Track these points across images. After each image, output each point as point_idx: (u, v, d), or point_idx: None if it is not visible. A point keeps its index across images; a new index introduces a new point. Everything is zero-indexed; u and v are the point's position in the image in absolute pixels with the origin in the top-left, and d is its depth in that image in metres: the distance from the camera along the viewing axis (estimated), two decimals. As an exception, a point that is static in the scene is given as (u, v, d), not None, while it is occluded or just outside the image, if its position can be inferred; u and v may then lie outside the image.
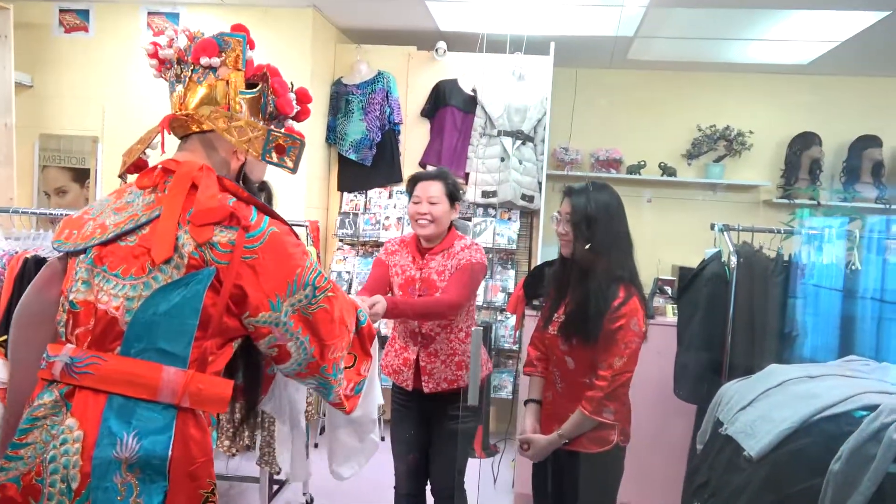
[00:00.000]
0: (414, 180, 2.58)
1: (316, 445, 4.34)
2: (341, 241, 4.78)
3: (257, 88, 1.49)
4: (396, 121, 4.65)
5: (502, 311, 4.53)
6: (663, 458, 3.29)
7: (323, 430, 4.58)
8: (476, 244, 2.60)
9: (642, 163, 5.17)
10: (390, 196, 4.73)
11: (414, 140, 4.74)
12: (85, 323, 1.36)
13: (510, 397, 4.45)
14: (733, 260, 2.75)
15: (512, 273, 4.60)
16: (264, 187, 1.61)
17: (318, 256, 4.11)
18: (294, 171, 1.50)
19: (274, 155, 1.46)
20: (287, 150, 1.47)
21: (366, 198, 4.75)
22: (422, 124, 4.73)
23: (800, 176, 5.04)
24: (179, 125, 1.50)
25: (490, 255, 4.53)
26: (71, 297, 1.40)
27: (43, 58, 4.44)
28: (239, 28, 1.52)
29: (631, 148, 5.24)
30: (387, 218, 4.67)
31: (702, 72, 5.21)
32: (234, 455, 3.14)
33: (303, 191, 4.36)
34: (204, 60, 1.46)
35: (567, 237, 2.14)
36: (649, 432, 3.35)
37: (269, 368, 1.66)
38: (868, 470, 1.46)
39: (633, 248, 2.18)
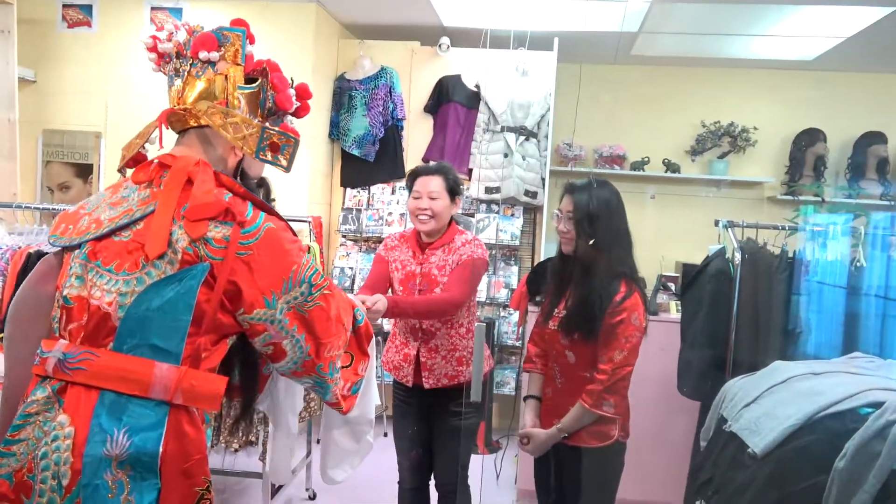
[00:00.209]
0: (414, 175, 2.57)
1: (318, 441, 4.34)
2: (344, 236, 4.77)
3: (256, 84, 1.48)
4: (399, 116, 4.64)
5: (505, 307, 4.52)
6: (667, 454, 3.29)
7: (326, 425, 4.58)
8: (477, 239, 2.59)
9: (646, 159, 5.16)
10: (393, 192, 4.72)
11: (417, 136, 4.73)
12: (78, 318, 1.36)
13: (513, 394, 4.45)
14: (737, 256, 2.74)
15: (515, 269, 4.59)
16: (263, 183, 1.60)
17: (322, 252, 4.11)
18: (287, 169, 1.49)
19: (268, 153, 1.45)
20: (281, 148, 1.46)
21: (369, 193, 4.75)
22: (425, 120, 4.72)
23: (804, 172, 5.02)
24: (177, 120, 1.49)
25: (493, 252, 4.52)
26: (65, 293, 1.39)
27: (46, 53, 4.44)
28: (239, 23, 1.50)
29: (634, 144, 5.23)
30: (390, 214, 4.66)
31: (706, 67, 5.19)
32: (236, 451, 3.14)
33: (306, 186, 4.35)
34: (202, 55, 1.44)
35: (568, 234, 2.14)
36: (653, 429, 3.35)
37: (264, 367, 1.65)
38: (873, 467, 1.45)
39: (632, 244, 2.18)
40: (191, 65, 1.46)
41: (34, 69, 4.42)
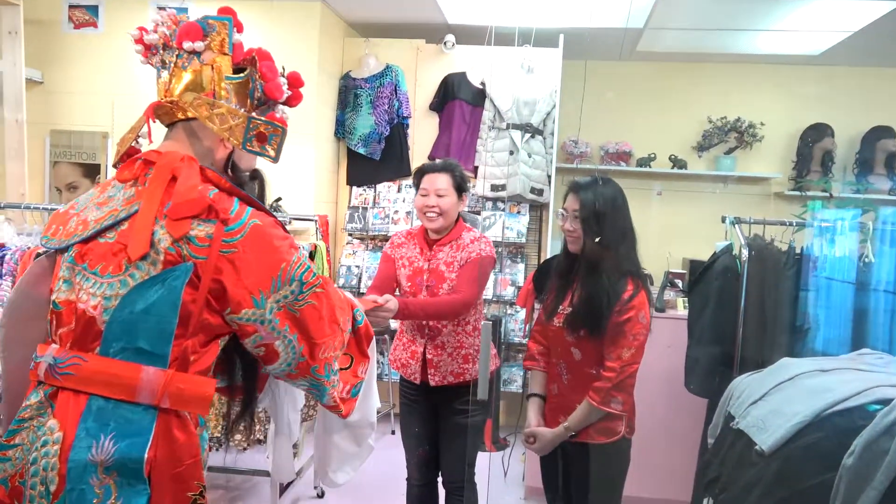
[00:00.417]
0: (420, 172, 2.57)
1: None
2: (350, 235, 4.78)
3: (245, 73, 1.43)
4: (405, 114, 4.65)
5: (512, 304, 4.53)
6: (674, 451, 3.28)
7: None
8: (485, 236, 2.60)
9: (652, 155, 5.15)
10: (399, 190, 4.73)
11: (423, 134, 4.73)
12: (67, 323, 1.33)
13: (520, 391, 4.45)
14: (744, 253, 2.73)
15: (521, 267, 4.59)
16: (256, 176, 1.61)
17: (328, 251, 4.11)
18: (275, 159, 1.45)
19: (255, 143, 1.42)
20: (269, 139, 1.42)
21: (375, 192, 4.75)
22: (430, 118, 4.72)
23: (812, 168, 4.99)
24: (165, 112, 1.46)
25: (499, 249, 4.52)
26: (53, 297, 1.37)
27: (53, 54, 4.46)
28: (225, 11, 1.46)
29: (641, 140, 5.21)
30: (396, 212, 4.67)
31: (712, 63, 5.16)
32: (244, 449, 3.15)
33: (312, 185, 4.36)
34: (187, 45, 1.40)
35: (575, 233, 2.14)
36: (660, 426, 3.35)
37: (262, 367, 1.63)
38: (882, 464, 1.44)
39: (636, 241, 2.18)
40: (177, 56, 1.42)
41: (41, 70, 4.44)
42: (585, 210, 2.10)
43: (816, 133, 4.97)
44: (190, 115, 1.42)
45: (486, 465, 2.83)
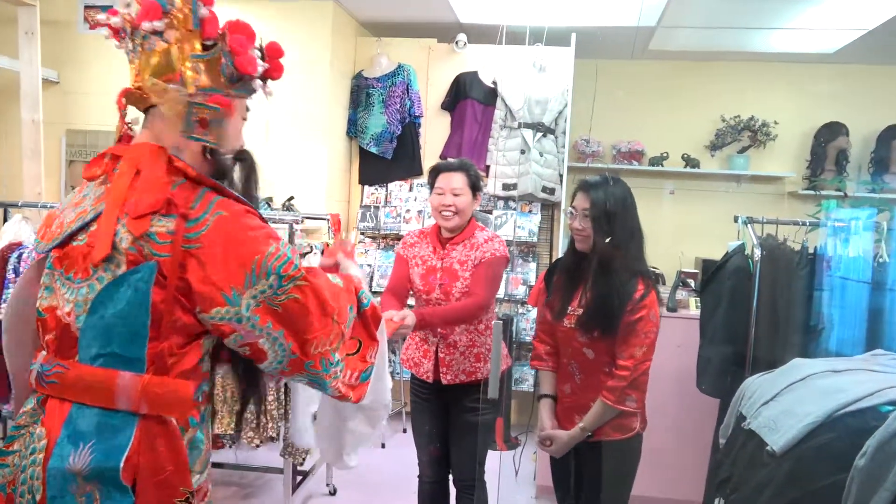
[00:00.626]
0: (436, 171, 2.58)
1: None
2: (363, 234, 4.80)
3: (214, 49, 1.32)
4: (417, 114, 4.66)
5: (523, 303, 4.53)
6: (686, 452, 3.28)
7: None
8: (498, 236, 2.61)
9: (665, 154, 5.13)
10: (411, 189, 4.74)
11: (434, 133, 4.74)
12: (51, 329, 1.30)
13: (531, 390, 4.45)
14: (757, 253, 2.72)
15: (533, 266, 4.59)
16: (244, 157, 1.46)
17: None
18: (217, 144, 1.35)
19: (198, 130, 1.33)
20: (211, 123, 1.33)
21: (386, 191, 4.76)
22: (442, 117, 4.73)
23: (826, 167, 4.96)
24: (136, 99, 1.37)
25: (511, 248, 4.52)
26: (38, 304, 1.34)
27: (68, 54, 4.50)
28: None
29: (653, 139, 5.20)
30: (407, 211, 4.68)
31: (725, 61, 5.14)
32: (257, 446, 3.17)
33: (324, 184, 4.38)
34: (146, 25, 1.30)
35: (584, 232, 2.14)
36: (672, 426, 3.34)
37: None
38: (894, 465, 1.43)
39: (644, 240, 2.19)
40: (142, 38, 1.33)
41: (57, 70, 4.48)
42: (596, 209, 2.10)
43: (831, 132, 4.94)
44: (154, 101, 1.34)
45: (496, 463, 2.84)
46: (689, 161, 5.11)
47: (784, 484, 1.64)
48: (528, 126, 4.42)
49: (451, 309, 2.46)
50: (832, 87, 5.02)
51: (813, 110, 5.03)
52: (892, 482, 1.43)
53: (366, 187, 4.81)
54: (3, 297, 2.89)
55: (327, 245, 3.94)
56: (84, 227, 1.29)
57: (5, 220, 3.29)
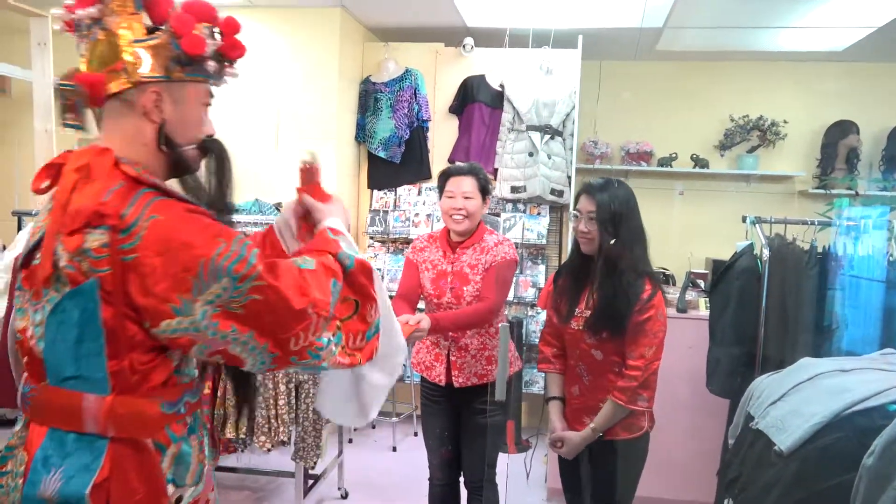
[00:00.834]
0: (446, 175, 2.60)
1: (350, 441, 4.40)
2: (372, 238, 4.82)
3: (158, 33, 1.23)
4: (425, 118, 4.67)
5: (533, 306, 4.53)
6: (697, 452, 3.27)
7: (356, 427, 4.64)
8: (507, 239, 2.63)
9: (674, 155, 5.12)
10: (419, 193, 4.76)
11: (442, 137, 4.76)
12: (25, 352, 1.25)
13: (542, 392, 4.45)
14: (765, 252, 2.72)
15: (542, 268, 4.60)
16: (212, 148, 1.34)
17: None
18: (73, 127, 1.26)
19: (69, 116, 1.24)
20: (79, 106, 1.24)
21: (395, 195, 4.78)
22: (450, 121, 4.74)
23: (836, 165, 4.94)
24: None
25: (520, 251, 4.52)
26: (14, 325, 1.29)
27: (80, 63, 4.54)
28: None
29: (662, 140, 5.19)
30: (416, 215, 4.69)
31: (733, 61, 5.13)
32: (269, 450, 3.20)
33: (333, 189, 4.39)
34: (80, 12, 1.21)
35: (589, 234, 2.15)
36: (683, 427, 3.34)
37: None
38: (902, 465, 1.43)
39: (648, 242, 2.21)
40: (87, 28, 1.24)
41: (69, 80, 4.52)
42: (602, 211, 2.12)
43: (841, 130, 4.91)
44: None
45: (505, 466, 2.84)
46: (699, 161, 5.10)
47: (792, 484, 1.64)
48: (535, 129, 4.43)
49: (463, 313, 2.48)
50: (841, 86, 5.00)
51: (822, 109, 5.01)
52: (900, 481, 1.42)
53: (375, 192, 4.83)
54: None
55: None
56: (38, 245, 1.21)
57: (19, 228, 3.34)
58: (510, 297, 4.40)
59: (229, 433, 3.12)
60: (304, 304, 1.18)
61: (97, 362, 1.16)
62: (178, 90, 1.26)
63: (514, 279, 4.43)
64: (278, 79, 4.39)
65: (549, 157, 4.44)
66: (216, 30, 1.28)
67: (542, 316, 4.52)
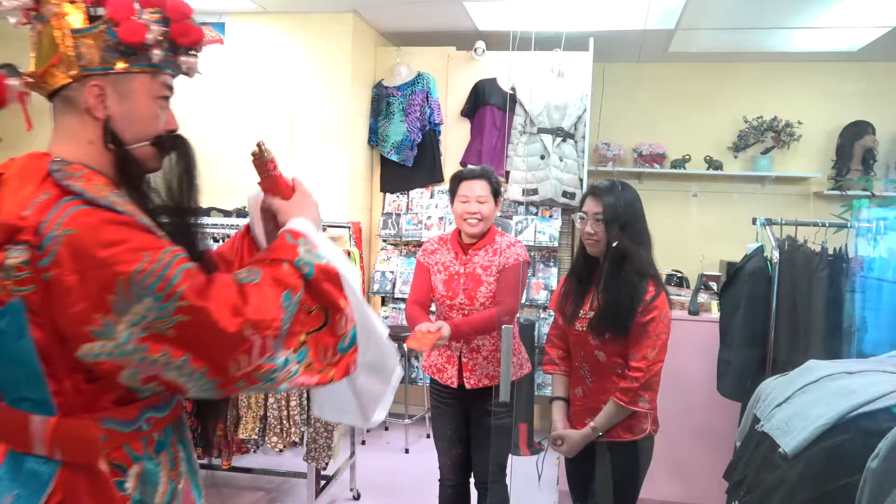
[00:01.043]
0: (458, 179, 2.62)
1: (363, 442, 4.43)
2: (384, 241, 4.85)
3: (97, 22, 1.13)
4: (437, 121, 4.70)
5: (545, 308, 4.53)
6: (709, 456, 3.26)
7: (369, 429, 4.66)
8: (519, 241, 2.65)
9: (687, 157, 5.10)
10: (432, 196, 4.78)
11: (454, 140, 4.78)
12: None
13: (554, 395, 4.45)
14: (774, 255, 2.71)
15: (554, 271, 4.60)
16: (176, 146, 1.23)
17: (361, 257, 4.18)
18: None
19: None
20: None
21: (408, 198, 4.81)
22: (462, 124, 4.77)
23: (852, 166, 4.89)
24: (38, 91, 1.19)
25: (532, 253, 4.53)
26: None
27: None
28: None
29: (675, 142, 5.17)
30: (429, 218, 4.72)
31: (746, 62, 5.10)
32: (281, 451, 3.23)
33: (346, 192, 4.44)
34: (8, 3, 1.12)
35: (595, 236, 2.17)
36: (696, 430, 3.33)
37: None
38: (906, 467, 1.43)
39: (652, 243, 2.21)
40: (32, 20, 1.15)
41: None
42: (608, 213, 2.13)
43: (856, 131, 4.87)
44: (46, 90, 1.17)
45: (516, 467, 2.85)
46: (712, 163, 5.08)
47: (796, 486, 1.64)
48: (547, 131, 4.44)
49: (481, 318, 2.50)
50: (856, 86, 4.96)
51: (837, 109, 4.96)
52: (904, 483, 1.42)
53: (387, 195, 4.86)
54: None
55: (348, 252, 3.98)
56: None
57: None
58: (523, 299, 4.41)
59: (242, 434, 3.16)
60: (236, 325, 1.04)
61: (38, 383, 1.08)
62: (124, 83, 1.16)
63: (527, 281, 4.45)
64: (292, 83, 4.44)
65: (561, 160, 4.45)
66: (159, 14, 1.16)
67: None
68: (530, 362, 2.80)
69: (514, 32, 3.54)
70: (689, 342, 3.24)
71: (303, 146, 4.44)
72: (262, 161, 1.33)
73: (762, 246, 2.87)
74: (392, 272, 4.74)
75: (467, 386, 2.59)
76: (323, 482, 3.50)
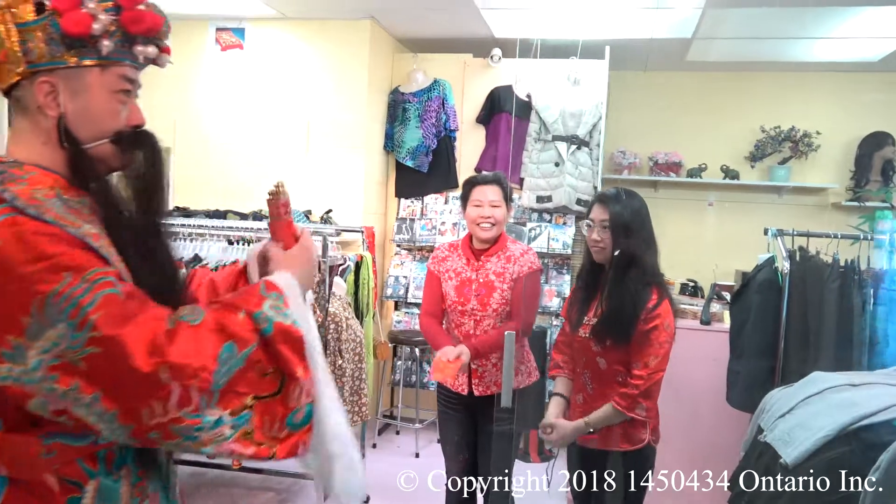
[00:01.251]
0: (471, 184, 2.64)
1: (374, 446, 4.45)
2: (398, 246, 4.88)
3: (43, 15, 1.05)
4: (452, 127, 4.73)
5: (557, 315, 4.53)
6: (719, 466, 3.23)
7: (381, 430, 4.69)
8: (531, 249, 2.66)
9: (703, 166, 5.08)
10: (446, 202, 4.81)
11: (469, 146, 4.81)
12: None
13: (565, 402, 4.45)
14: (785, 266, 2.69)
15: (567, 278, 4.60)
16: (136, 140, 1.15)
17: (374, 261, 4.21)
18: None
19: None
20: None
21: (422, 203, 4.84)
22: (477, 131, 4.79)
23: (871, 177, 4.85)
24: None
25: (545, 260, 4.54)
26: None
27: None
28: None
29: (691, 151, 5.16)
30: (443, 223, 4.74)
31: (764, 72, 5.08)
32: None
33: (361, 197, 4.48)
34: None
35: (602, 244, 2.17)
36: (706, 440, 3.30)
37: None
38: (907, 480, 1.43)
39: (658, 251, 2.21)
40: None
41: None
42: (615, 221, 2.14)
43: (876, 141, 4.83)
44: None
45: (527, 474, 2.85)
46: (729, 172, 5.05)
47: (797, 497, 1.63)
48: (562, 139, 4.44)
49: (499, 336, 2.46)
50: (876, 96, 4.92)
51: (857, 120, 4.92)
52: (904, 497, 1.42)
53: (402, 200, 4.89)
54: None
55: (361, 257, 4.00)
56: None
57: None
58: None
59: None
60: (151, 366, 0.95)
61: None
62: (76, 78, 1.08)
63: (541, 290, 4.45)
64: (309, 89, 4.49)
65: (576, 168, 4.45)
66: (110, 2, 1.09)
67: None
68: (539, 370, 2.81)
69: (535, 40, 3.56)
70: (701, 352, 3.22)
71: (319, 151, 4.49)
72: (276, 201, 1.26)
73: (773, 256, 2.86)
74: (405, 277, 4.77)
75: (476, 393, 2.60)
76: (332, 484, 3.52)
